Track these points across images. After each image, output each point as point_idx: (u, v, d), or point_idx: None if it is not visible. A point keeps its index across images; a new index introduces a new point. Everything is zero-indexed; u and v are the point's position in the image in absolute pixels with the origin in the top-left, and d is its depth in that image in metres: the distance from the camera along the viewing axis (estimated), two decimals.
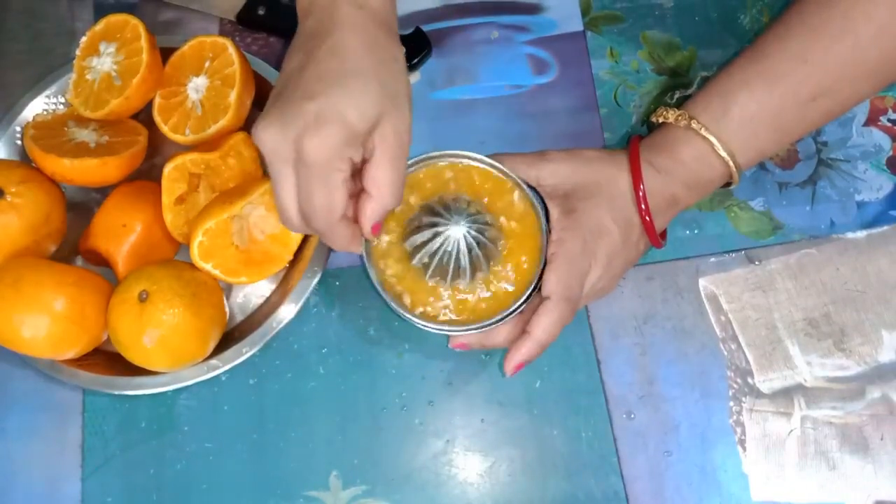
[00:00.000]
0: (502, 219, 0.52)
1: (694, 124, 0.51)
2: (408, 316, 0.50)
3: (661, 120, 0.53)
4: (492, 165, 0.53)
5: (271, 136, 0.43)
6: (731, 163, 0.51)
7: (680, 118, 0.52)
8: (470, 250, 0.49)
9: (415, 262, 0.51)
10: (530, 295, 0.50)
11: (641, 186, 0.51)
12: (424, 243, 0.50)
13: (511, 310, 0.50)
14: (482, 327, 0.50)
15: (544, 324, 0.49)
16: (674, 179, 0.52)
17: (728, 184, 0.54)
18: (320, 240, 0.54)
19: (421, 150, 0.55)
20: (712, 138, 0.51)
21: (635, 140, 0.53)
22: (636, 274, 0.57)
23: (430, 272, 0.50)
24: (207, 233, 0.51)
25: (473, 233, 0.49)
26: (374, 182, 0.45)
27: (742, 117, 0.51)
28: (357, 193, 0.46)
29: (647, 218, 0.51)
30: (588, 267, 0.50)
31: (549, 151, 0.53)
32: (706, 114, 0.51)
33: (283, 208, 0.45)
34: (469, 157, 0.53)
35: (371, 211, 0.45)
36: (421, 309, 0.51)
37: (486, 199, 0.53)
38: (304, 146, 0.42)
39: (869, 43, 0.49)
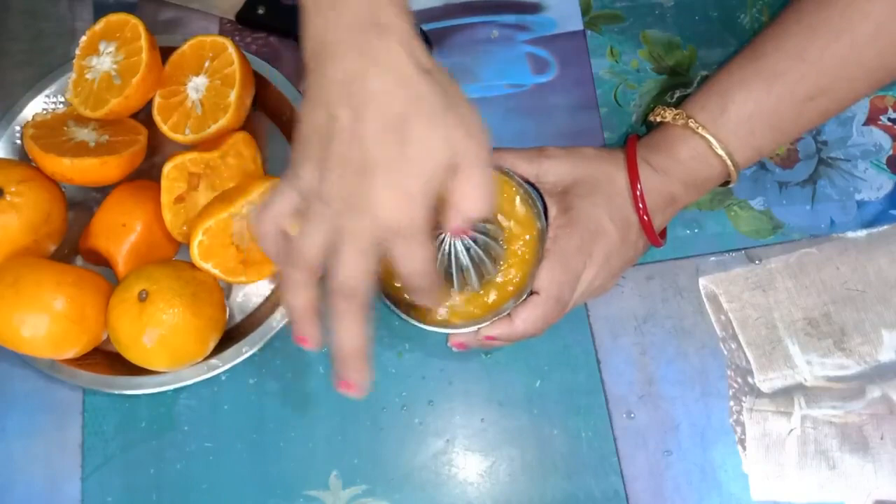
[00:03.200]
0: (501, 217, 0.52)
1: (692, 123, 0.51)
2: (405, 316, 0.50)
3: (659, 119, 0.53)
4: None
5: (322, 221, 0.41)
6: (728, 161, 0.51)
7: (678, 117, 0.52)
8: (468, 249, 0.49)
9: None
10: (529, 294, 0.50)
11: (639, 185, 0.51)
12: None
13: (507, 308, 0.50)
14: (478, 326, 0.50)
15: (525, 316, 0.49)
16: (672, 178, 0.52)
17: (727, 182, 0.54)
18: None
19: None
20: (710, 137, 0.51)
21: (633, 139, 0.53)
22: (636, 273, 0.57)
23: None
24: (207, 232, 0.51)
25: (470, 232, 0.49)
26: (459, 195, 0.41)
27: (739, 116, 0.51)
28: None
29: (645, 217, 0.51)
30: (583, 266, 0.50)
31: (549, 148, 0.53)
32: (704, 113, 0.52)
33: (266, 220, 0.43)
34: None
35: (453, 220, 0.42)
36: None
37: None
38: (399, 222, 0.40)
39: (866, 42, 0.49)
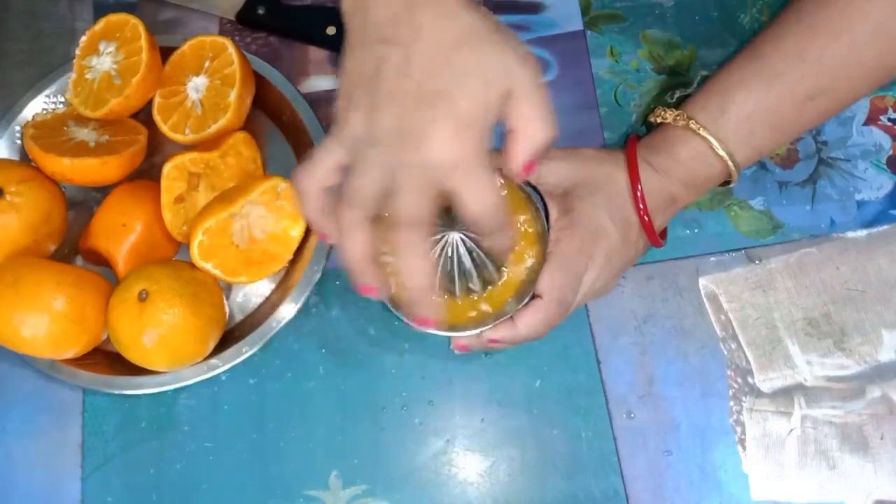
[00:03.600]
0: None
1: (692, 124, 0.51)
2: (407, 319, 0.50)
3: (659, 120, 0.53)
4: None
5: (381, 158, 0.40)
6: (729, 162, 0.51)
7: (678, 118, 0.52)
8: (471, 252, 0.49)
9: None
10: (531, 296, 0.50)
11: (639, 185, 0.51)
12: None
13: (509, 311, 0.50)
14: (480, 329, 0.50)
15: (527, 320, 0.49)
16: (672, 178, 0.52)
17: (727, 182, 0.54)
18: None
19: None
20: (710, 138, 0.51)
21: (633, 139, 0.53)
22: (636, 273, 0.57)
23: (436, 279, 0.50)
24: (207, 232, 0.51)
25: (471, 234, 0.49)
26: (526, 121, 0.40)
27: (739, 116, 0.51)
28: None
29: (646, 217, 0.51)
30: (584, 267, 0.50)
31: (549, 149, 0.53)
32: (704, 113, 0.52)
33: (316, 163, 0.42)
34: None
35: (523, 150, 0.40)
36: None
37: None
38: (460, 152, 0.39)
39: (866, 41, 0.49)
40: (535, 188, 0.53)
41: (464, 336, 0.51)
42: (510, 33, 0.40)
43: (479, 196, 0.40)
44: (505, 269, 0.52)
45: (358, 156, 0.41)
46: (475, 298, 0.52)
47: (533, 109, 0.40)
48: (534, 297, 0.50)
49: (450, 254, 0.49)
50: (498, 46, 0.39)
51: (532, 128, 0.40)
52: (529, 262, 0.52)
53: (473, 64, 0.39)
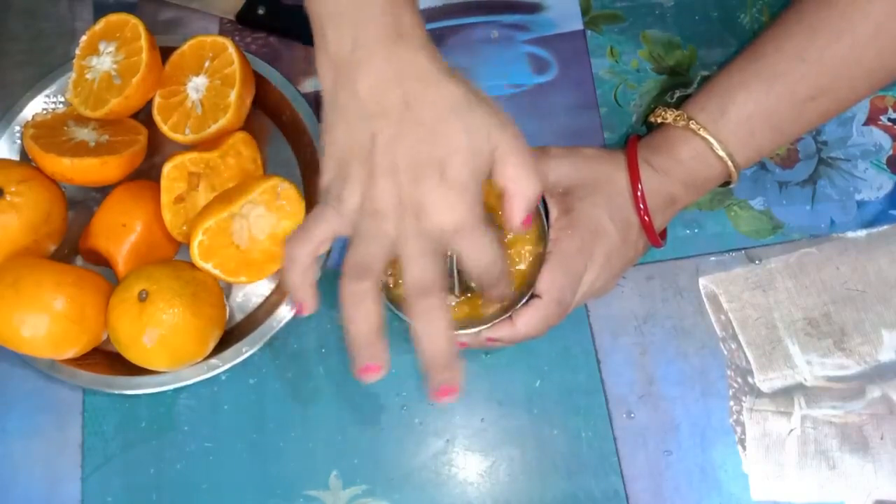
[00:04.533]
0: (500, 213, 0.52)
1: (692, 124, 0.51)
2: (406, 318, 0.50)
3: (659, 120, 0.53)
4: None
5: (372, 226, 0.41)
6: (729, 162, 0.51)
7: (678, 118, 0.52)
8: None
9: None
10: (531, 295, 0.50)
11: (639, 185, 0.51)
12: None
13: (508, 311, 0.50)
14: (480, 329, 0.50)
15: (526, 319, 0.49)
16: (672, 179, 0.52)
17: (727, 182, 0.54)
18: None
19: None
20: (710, 138, 0.51)
21: (633, 139, 0.53)
22: (636, 273, 0.57)
23: None
24: (207, 232, 0.51)
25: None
26: (514, 180, 0.42)
27: (740, 117, 0.51)
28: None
29: (646, 217, 0.51)
30: (583, 267, 0.50)
31: (550, 148, 0.53)
32: (704, 114, 0.52)
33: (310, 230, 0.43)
34: None
35: (517, 208, 0.43)
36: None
37: (484, 200, 0.53)
38: (460, 217, 0.41)
39: (867, 42, 0.49)
40: None
41: (463, 334, 0.51)
42: (488, 98, 0.43)
43: (481, 255, 0.42)
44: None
45: (359, 228, 0.42)
46: (473, 298, 0.52)
47: (518, 169, 0.42)
48: (533, 296, 0.50)
49: (448, 252, 0.49)
50: (480, 113, 0.41)
51: (521, 186, 0.42)
52: (529, 261, 0.52)
53: (461, 132, 0.41)
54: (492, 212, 0.53)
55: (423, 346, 0.41)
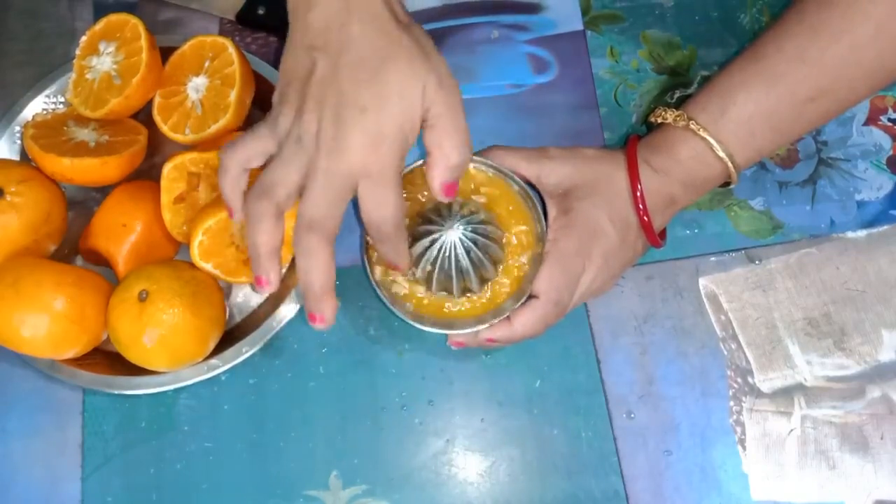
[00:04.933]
0: (500, 219, 0.52)
1: (692, 125, 0.51)
2: (404, 316, 0.51)
3: (659, 120, 0.53)
4: (489, 165, 0.53)
5: (296, 155, 0.43)
6: (729, 163, 0.51)
7: (678, 119, 0.52)
8: (468, 252, 0.49)
9: (418, 273, 0.51)
10: (528, 295, 0.50)
11: (639, 186, 0.51)
12: (423, 252, 0.50)
13: (506, 309, 0.50)
14: (478, 328, 0.50)
15: (524, 319, 0.49)
16: (672, 179, 0.52)
17: (727, 183, 0.54)
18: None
19: (421, 149, 0.55)
20: (710, 139, 0.51)
21: (633, 140, 0.53)
22: (636, 273, 0.57)
23: (435, 280, 0.50)
24: (207, 232, 0.51)
25: (469, 234, 0.49)
26: (439, 145, 0.43)
27: (740, 117, 0.51)
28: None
29: (646, 218, 0.51)
30: (582, 268, 0.50)
31: (550, 148, 0.53)
32: (704, 114, 0.51)
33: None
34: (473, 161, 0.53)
35: (440, 174, 0.44)
36: (421, 309, 0.51)
37: (483, 200, 0.53)
38: (371, 161, 0.42)
39: (867, 43, 0.49)
40: (534, 188, 0.53)
41: (461, 334, 0.51)
42: (435, 53, 0.44)
43: (378, 206, 0.43)
44: (502, 268, 0.52)
45: (281, 150, 0.44)
46: (473, 297, 0.52)
47: (446, 134, 0.43)
48: (531, 296, 0.50)
49: (447, 253, 0.49)
50: (419, 67, 0.42)
51: (445, 152, 0.43)
52: (527, 261, 0.52)
53: (394, 83, 0.42)
54: (473, 200, 0.53)
55: (300, 278, 0.44)
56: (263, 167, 0.46)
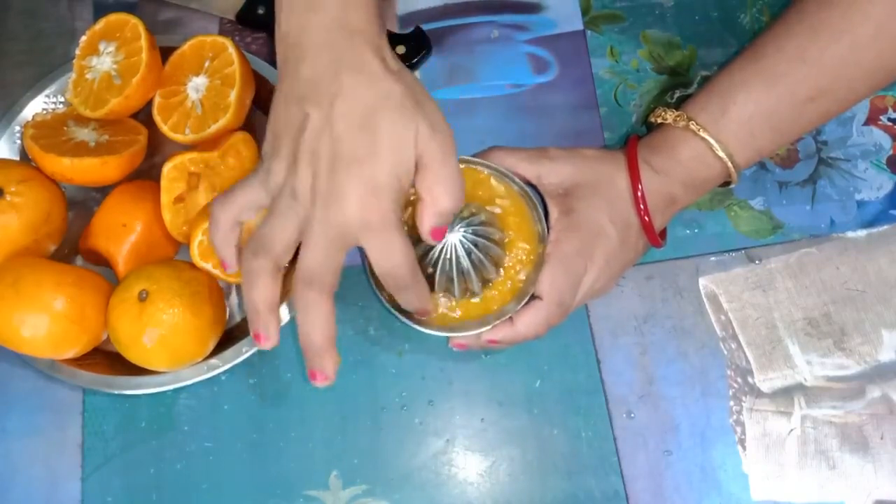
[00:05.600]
0: (501, 219, 0.52)
1: (692, 125, 0.51)
2: (405, 320, 0.50)
3: (659, 120, 0.53)
4: (490, 167, 0.53)
5: (293, 213, 0.42)
6: (729, 163, 0.51)
7: (678, 119, 0.52)
8: (469, 254, 0.49)
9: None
10: (530, 297, 0.50)
11: (640, 186, 0.51)
12: (424, 255, 0.50)
13: (508, 311, 0.50)
14: (480, 330, 0.50)
15: (527, 320, 0.49)
16: (672, 179, 0.52)
17: (727, 183, 0.54)
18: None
19: None
20: (710, 139, 0.51)
21: (633, 140, 0.53)
22: (636, 273, 0.57)
23: (436, 282, 0.50)
24: (207, 232, 0.51)
25: (470, 235, 0.49)
26: (429, 190, 0.43)
27: (740, 117, 0.51)
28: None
29: (647, 218, 0.51)
30: (584, 269, 0.50)
31: (550, 149, 0.53)
32: (704, 114, 0.52)
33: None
34: (466, 161, 0.53)
35: (429, 218, 0.44)
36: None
37: (487, 202, 0.53)
38: (369, 214, 0.41)
39: (867, 43, 0.49)
40: (535, 188, 0.53)
41: (463, 336, 0.51)
42: (427, 100, 0.43)
43: (387, 255, 0.43)
44: (504, 269, 0.52)
45: (276, 204, 0.44)
46: (474, 299, 0.52)
47: (438, 180, 0.43)
48: (533, 297, 0.50)
49: (448, 255, 0.49)
50: (410, 116, 0.42)
51: (435, 198, 0.43)
52: (529, 262, 0.52)
53: (386, 133, 0.41)
54: (474, 202, 0.53)
55: (300, 334, 0.44)
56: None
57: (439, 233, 0.45)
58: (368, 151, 0.41)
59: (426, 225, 0.44)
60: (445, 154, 0.43)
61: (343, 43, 0.43)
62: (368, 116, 0.42)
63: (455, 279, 0.50)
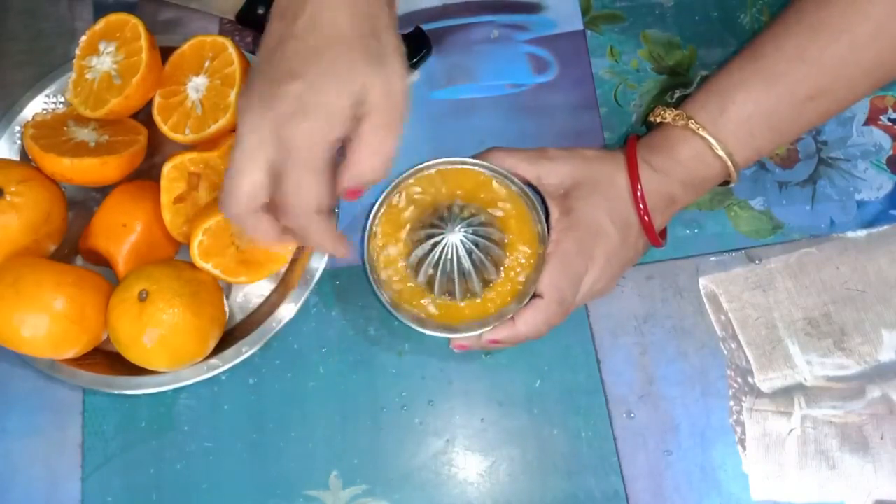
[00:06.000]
0: (502, 220, 0.52)
1: (691, 124, 0.51)
2: (405, 320, 0.51)
3: (658, 120, 0.53)
4: (490, 169, 0.53)
5: (253, 117, 0.41)
6: (729, 162, 0.51)
7: (678, 118, 0.52)
8: (470, 254, 0.49)
9: (420, 277, 0.51)
10: (531, 297, 0.50)
11: (639, 186, 0.51)
12: (425, 256, 0.50)
13: (509, 311, 0.50)
14: (481, 331, 0.50)
15: (528, 319, 0.49)
16: (671, 178, 0.52)
17: (726, 182, 0.54)
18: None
19: (421, 150, 0.55)
20: (710, 138, 0.51)
21: (632, 139, 0.53)
22: (636, 273, 0.57)
23: (437, 284, 0.50)
24: (207, 232, 0.51)
25: (471, 236, 0.49)
26: (354, 154, 0.42)
27: (739, 117, 0.51)
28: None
29: (646, 217, 0.51)
30: (584, 268, 0.50)
31: (550, 149, 0.53)
32: (704, 113, 0.52)
33: (235, 188, 0.42)
34: (466, 163, 0.53)
35: (348, 179, 0.43)
36: (423, 312, 0.52)
37: (487, 203, 0.53)
38: (288, 134, 0.40)
39: (866, 42, 0.49)
40: (535, 188, 0.53)
41: (463, 337, 0.51)
42: (397, 64, 0.43)
43: (294, 193, 0.42)
44: (504, 270, 0.52)
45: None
46: (475, 300, 0.52)
47: (368, 146, 0.42)
48: (534, 297, 0.50)
49: (449, 255, 0.49)
50: (371, 64, 0.41)
51: (361, 165, 0.42)
52: (529, 265, 0.52)
53: (340, 64, 0.41)
54: (474, 203, 0.53)
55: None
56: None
57: (354, 194, 0.44)
58: (317, 66, 0.41)
59: (343, 185, 0.43)
60: (389, 119, 0.42)
61: None
62: (328, 42, 0.41)
63: (456, 280, 0.50)
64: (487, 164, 0.53)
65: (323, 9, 0.42)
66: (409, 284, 0.52)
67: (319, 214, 0.43)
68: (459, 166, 0.53)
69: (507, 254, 0.52)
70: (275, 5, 0.44)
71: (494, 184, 0.53)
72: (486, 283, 0.51)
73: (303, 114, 0.40)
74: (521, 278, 0.51)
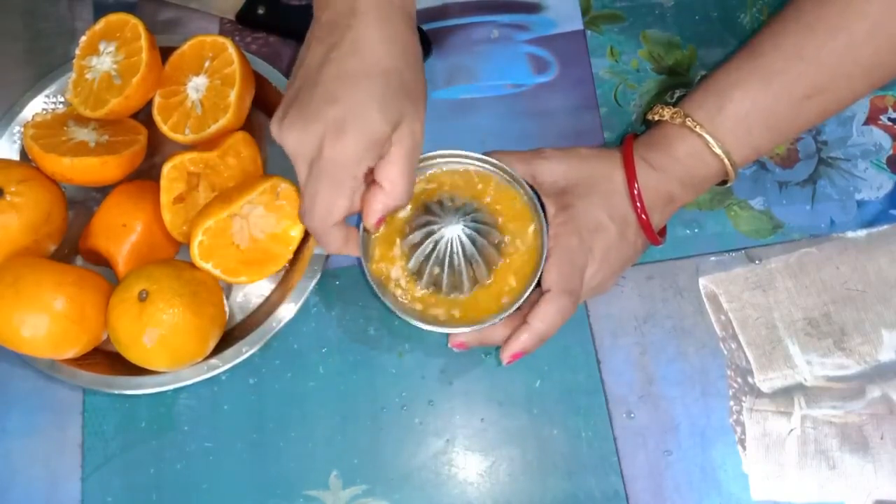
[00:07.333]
0: (500, 218, 0.52)
1: (689, 122, 0.51)
2: (405, 316, 0.50)
3: (656, 118, 0.53)
4: (489, 163, 0.53)
5: (295, 137, 0.45)
6: (726, 160, 0.51)
7: (675, 116, 0.52)
8: (473, 241, 0.49)
9: (411, 264, 0.51)
10: (530, 293, 0.50)
11: (636, 183, 0.51)
12: (418, 245, 0.50)
13: (509, 308, 0.50)
14: (480, 327, 0.50)
15: (542, 314, 0.49)
16: (669, 177, 0.52)
17: (725, 181, 0.54)
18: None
19: (421, 150, 0.54)
20: (707, 136, 0.51)
21: (629, 138, 0.54)
22: (636, 273, 0.57)
23: (425, 275, 0.50)
24: (207, 232, 0.51)
25: (469, 230, 0.49)
26: (388, 178, 0.45)
27: (737, 115, 0.51)
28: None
29: (643, 215, 0.51)
30: (586, 261, 0.50)
31: (545, 149, 0.53)
32: (701, 111, 0.51)
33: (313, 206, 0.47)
34: (466, 157, 0.53)
35: (380, 205, 0.46)
36: (420, 307, 0.51)
37: (484, 199, 0.53)
38: (325, 151, 0.43)
39: (863, 40, 0.49)
40: (531, 187, 0.53)
41: (461, 333, 0.51)
42: (420, 98, 0.46)
43: (310, 197, 0.46)
44: (503, 266, 0.52)
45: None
46: (472, 297, 0.52)
47: (400, 174, 0.45)
48: (539, 294, 0.50)
49: (444, 249, 0.49)
50: (414, 100, 0.45)
51: (393, 192, 0.46)
52: (528, 259, 0.52)
53: (365, 99, 0.44)
54: (473, 198, 0.53)
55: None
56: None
57: (382, 221, 0.47)
58: (359, 91, 0.44)
59: (376, 213, 0.46)
60: (414, 152, 0.45)
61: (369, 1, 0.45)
62: (376, 69, 0.44)
63: (464, 276, 0.50)
64: (488, 159, 0.53)
65: (364, 38, 0.44)
66: (408, 283, 0.52)
67: (335, 226, 0.47)
68: (461, 160, 0.53)
69: (507, 251, 0.52)
70: (314, 28, 0.47)
71: (493, 177, 0.53)
72: (483, 280, 0.51)
73: (341, 132, 0.43)
74: (521, 275, 0.51)
